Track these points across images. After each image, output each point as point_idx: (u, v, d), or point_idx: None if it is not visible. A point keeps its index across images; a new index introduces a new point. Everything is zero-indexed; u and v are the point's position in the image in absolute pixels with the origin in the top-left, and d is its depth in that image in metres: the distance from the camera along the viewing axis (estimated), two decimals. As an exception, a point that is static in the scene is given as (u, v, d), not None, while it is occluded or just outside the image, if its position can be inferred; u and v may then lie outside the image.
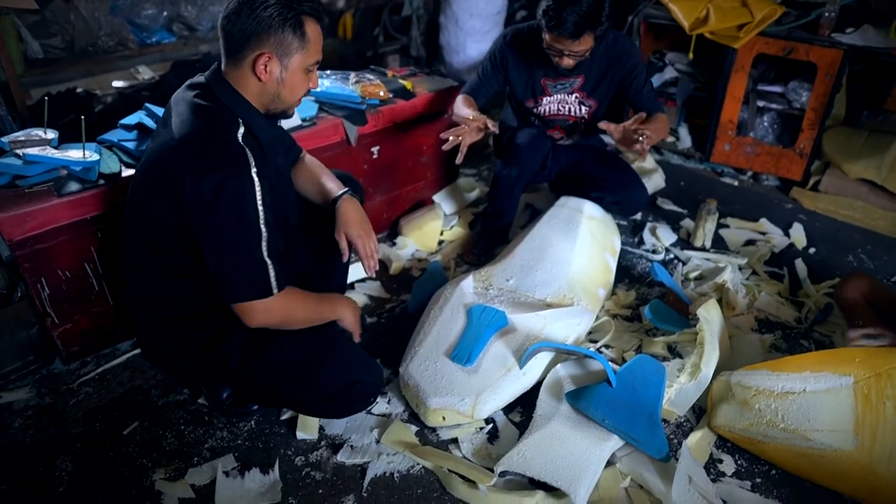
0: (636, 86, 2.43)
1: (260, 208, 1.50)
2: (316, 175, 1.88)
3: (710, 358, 1.91)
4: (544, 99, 2.51)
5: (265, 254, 1.51)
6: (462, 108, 2.39)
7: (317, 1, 1.55)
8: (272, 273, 1.53)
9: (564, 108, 2.53)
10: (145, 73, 4.16)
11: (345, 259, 1.81)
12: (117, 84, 4.01)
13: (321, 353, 1.72)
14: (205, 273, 1.56)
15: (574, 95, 2.49)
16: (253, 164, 1.49)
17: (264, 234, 1.51)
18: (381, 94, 2.53)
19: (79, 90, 3.54)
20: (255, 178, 1.48)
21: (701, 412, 1.92)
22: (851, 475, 1.62)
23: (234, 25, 1.48)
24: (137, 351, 2.11)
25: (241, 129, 1.53)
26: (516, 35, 2.45)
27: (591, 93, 2.48)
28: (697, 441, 1.80)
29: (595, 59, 2.39)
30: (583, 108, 2.53)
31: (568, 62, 2.26)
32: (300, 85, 1.59)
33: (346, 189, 1.81)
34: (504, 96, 2.72)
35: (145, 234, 1.62)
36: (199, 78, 1.61)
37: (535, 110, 2.55)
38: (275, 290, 1.54)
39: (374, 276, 1.89)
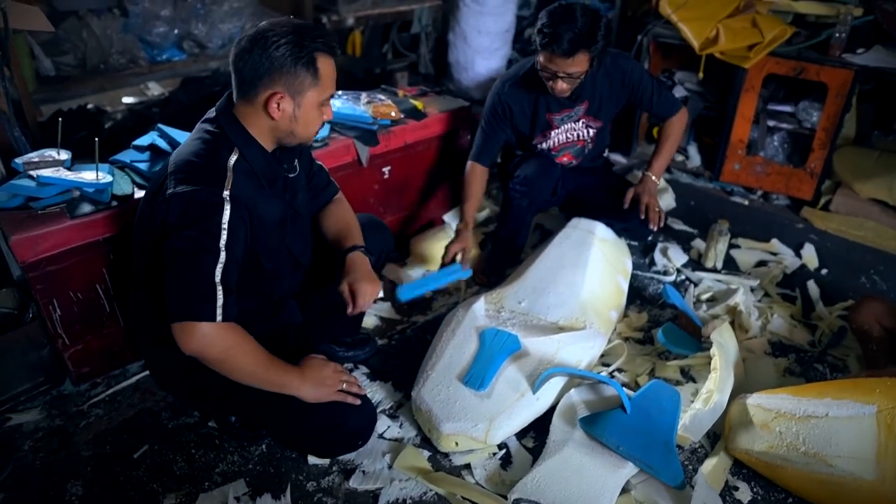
0: (646, 98, 2.45)
1: (224, 230, 1.46)
2: (340, 221, 1.87)
3: (725, 383, 1.90)
4: (552, 132, 2.48)
5: (217, 277, 1.44)
6: (469, 192, 2.44)
7: (330, 36, 1.55)
8: (220, 299, 1.44)
9: (573, 135, 2.51)
10: (155, 90, 4.18)
11: (350, 311, 1.75)
12: (127, 100, 4.03)
13: None
14: None
15: (581, 121, 2.48)
16: (229, 185, 1.49)
17: (222, 257, 1.45)
18: (393, 114, 2.53)
19: (89, 106, 3.56)
20: (226, 200, 1.47)
21: (716, 438, 1.90)
22: None
23: (246, 63, 1.48)
24: (147, 373, 2.10)
25: (235, 156, 1.53)
26: (510, 83, 2.40)
27: (597, 115, 2.48)
28: (713, 468, 1.78)
29: (597, 82, 2.38)
30: (590, 130, 2.52)
31: (562, 86, 2.20)
32: (314, 121, 1.59)
33: (361, 245, 1.80)
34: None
35: (139, 249, 1.64)
36: (213, 111, 1.63)
37: (543, 145, 2.52)
38: (218, 318, 1.44)
39: (351, 312, 1.76)
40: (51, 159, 1.94)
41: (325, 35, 1.53)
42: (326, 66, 1.53)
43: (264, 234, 1.62)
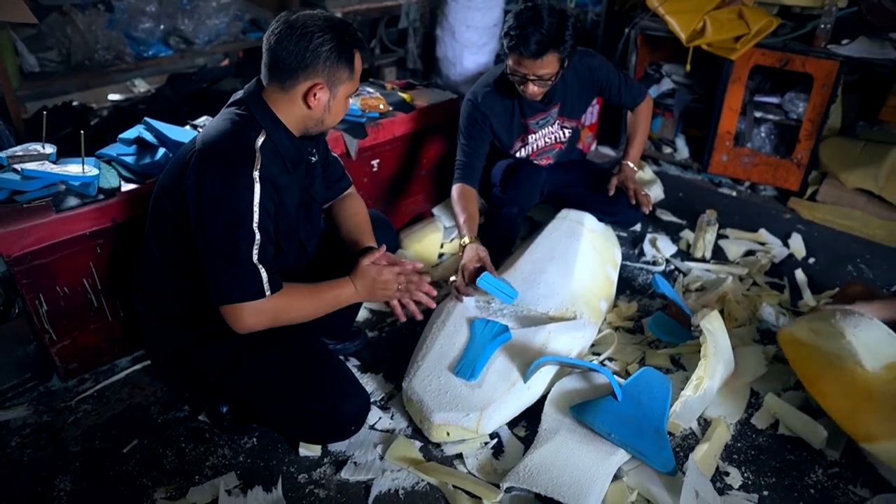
0: (614, 91, 2.50)
1: (256, 210, 1.51)
2: (354, 218, 1.92)
3: (715, 370, 1.91)
4: (530, 137, 2.47)
5: (255, 257, 1.51)
6: (465, 211, 2.24)
7: (360, 33, 1.61)
8: (264, 277, 1.52)
9: (551, 138, 2.52)
10: (141, 87, 4.16)
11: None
12: (113, 97, 4.00)
13: (301, 371, 1.70)
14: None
15: (556, 124, 2.49)
16: (258, 166, 1.52)
17: (257, 238, 1.51)
18: (381, 106, 2.52)
19: (75, 103, 3.53)
20: (256, 180, 1.51)
21: (706, 425, 1.91)
22: (859, 397, 1.72)
23: (288, 52, 1.52)
24: (136, 367, 2.09)
25: (262, 138, 1.57)
26: (482, 93, 2.35)
27: (570, 114, 2.49)
28: (704, 454, 1.78)
29: (567, 82, 2.36)
30: (565, 131, 2.54)
31: (533, 89, 2.18)
32: (342, 111, 1.67)
33: (374, 247, 1.83)
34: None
35: (155, 227, 1.66)
36: (240, 93, 1.65)
37: (522, 152, 2.51)
38: (267, 293, 1.53)
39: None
40: (35, 153, 1.92)
41: (357, 32, 1.59)
42: (359, 61, 1.61)
43: (285, 216, 1.66)
